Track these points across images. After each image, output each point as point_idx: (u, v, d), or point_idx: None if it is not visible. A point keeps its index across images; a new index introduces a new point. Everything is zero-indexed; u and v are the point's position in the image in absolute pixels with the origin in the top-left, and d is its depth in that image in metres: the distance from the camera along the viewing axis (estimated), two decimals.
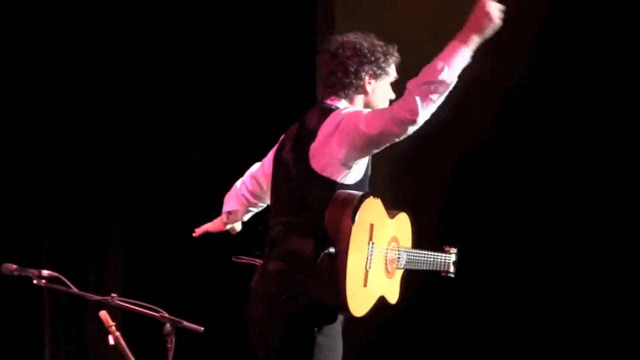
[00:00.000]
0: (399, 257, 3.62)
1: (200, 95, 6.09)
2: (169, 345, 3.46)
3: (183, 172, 6.08)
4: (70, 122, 6.02)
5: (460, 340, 5.73)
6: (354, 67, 3.55)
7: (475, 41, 3.29)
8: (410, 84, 3.30)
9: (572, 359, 5.58)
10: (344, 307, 3.34)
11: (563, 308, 5.63)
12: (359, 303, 3.40)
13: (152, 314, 3.51)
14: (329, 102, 3.57)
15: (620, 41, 5.44)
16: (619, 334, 5.51)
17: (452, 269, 3.90)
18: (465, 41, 3.29)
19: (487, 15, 3.26)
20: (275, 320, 3.43)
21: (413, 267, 3.73)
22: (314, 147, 3.44)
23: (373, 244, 3.45)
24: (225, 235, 4.06)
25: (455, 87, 3.33)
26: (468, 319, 5.71)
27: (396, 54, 3.65)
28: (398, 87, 3.54)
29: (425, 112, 3.27)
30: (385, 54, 3.60)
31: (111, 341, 3.53)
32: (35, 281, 3.56)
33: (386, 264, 3.56)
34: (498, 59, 4.88)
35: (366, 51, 3.57)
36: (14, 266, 3.60)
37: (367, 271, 3.42)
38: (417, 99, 3.25)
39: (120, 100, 6.09)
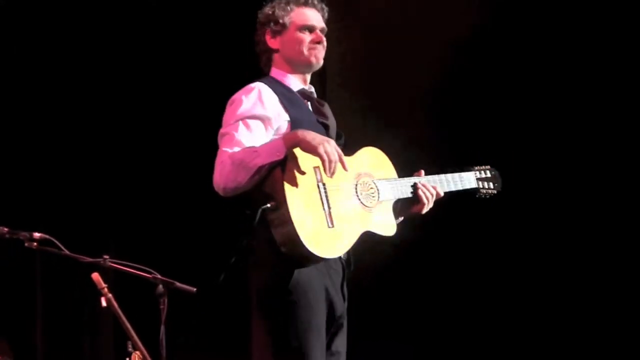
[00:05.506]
0: (377, 190, 3.61)
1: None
2: (161, 307, 3.48)
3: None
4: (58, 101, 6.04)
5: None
6: (258, 36, 3.75)
7: (293, 147, 3.36)
8: (230, 157, 3.35)
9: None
10: (306, 254, 3.33)
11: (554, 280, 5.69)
12: (326, 243, 3.38)
13: (144, 275, 3.53)
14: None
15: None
16: (618, 333, 5.56)
17: (482, 185, 3.96)
18: (287, 142, 3.36)
19: (317, 151, 3.32)
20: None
21: (413, 195, 3.69)
22: None
23: (324, 184, 3.44)
24: (215, 199, 4.07)
25: None
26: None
27: None
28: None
29: (230, 189, 3.35)
30: (277, 9, 3.71)
31: (103, 303, 3.54)
32: (26, 244, 3.56)
33: (361, 200, 3.55)
34: None
35: (262, 17, 3.74)
36: (6, 229, 3.60)
37: (329, 212, 3.42)
38: (221, 182, 3.34)
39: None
